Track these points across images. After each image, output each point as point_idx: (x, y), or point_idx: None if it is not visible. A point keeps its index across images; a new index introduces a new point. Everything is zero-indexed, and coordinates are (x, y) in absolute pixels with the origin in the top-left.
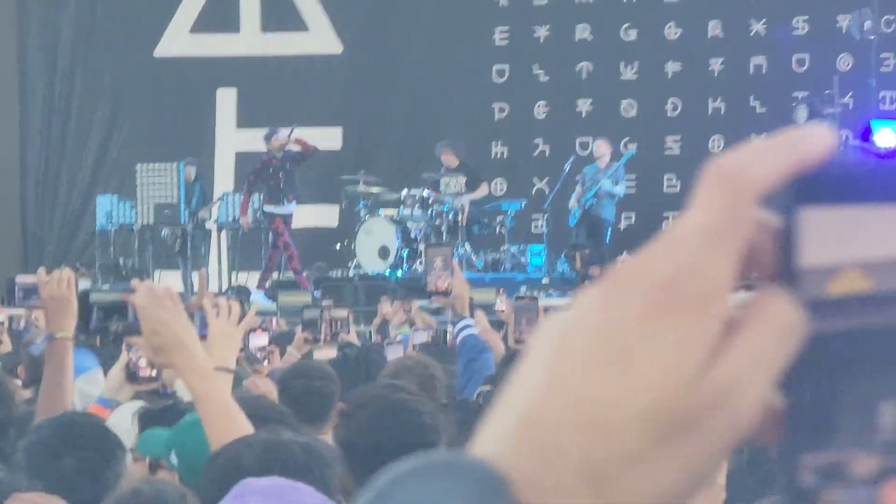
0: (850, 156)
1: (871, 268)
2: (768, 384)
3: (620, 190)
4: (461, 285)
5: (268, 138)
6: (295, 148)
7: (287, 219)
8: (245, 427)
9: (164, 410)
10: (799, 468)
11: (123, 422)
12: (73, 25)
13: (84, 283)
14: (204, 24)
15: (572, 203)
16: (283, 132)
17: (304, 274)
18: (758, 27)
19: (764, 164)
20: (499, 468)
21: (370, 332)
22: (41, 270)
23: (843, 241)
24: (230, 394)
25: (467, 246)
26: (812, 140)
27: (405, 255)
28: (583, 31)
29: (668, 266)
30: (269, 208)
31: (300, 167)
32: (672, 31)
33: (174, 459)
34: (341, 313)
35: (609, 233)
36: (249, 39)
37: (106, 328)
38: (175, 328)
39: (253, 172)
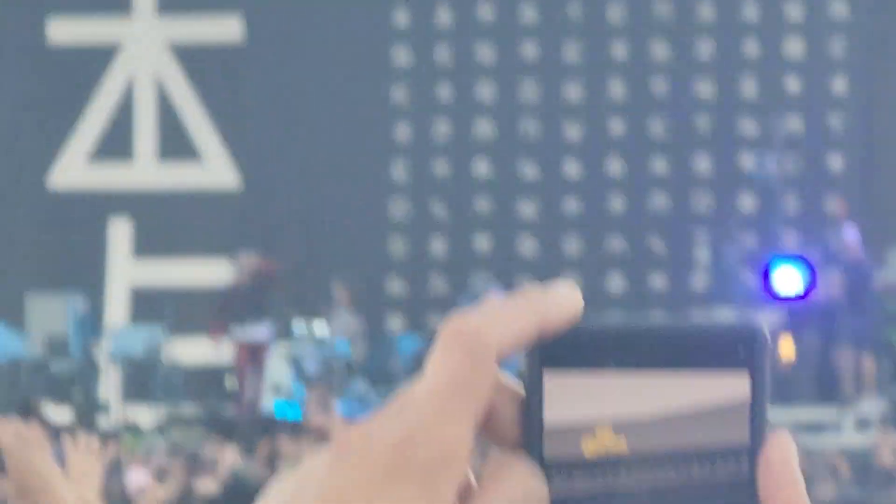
0: (594, 319)
1: (621, 429)
2: None
3: None
4: (335, 423)
5: (233, 264)
6: (257, 270)
7: (254, 348)
8: None
9: None
10: None
11: None
12: None
13: None
14: (99, 152)
15: None
16: (245, 257)
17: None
18: (659, 165)
19: (505, 326)
20: None
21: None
22: None
23: (590, 404)
24: None
25: (362, 383)
26: (557, 302)
27: (298, 392)
28: (480, 168)
29: (400, 430)
30: (238, 334)
31: (267, 290)
32: (572, 169)
33: None
34: (220, 450)
35: None
36: (145, 171)
37: None
38: (40, 470)
39: (223, 299)
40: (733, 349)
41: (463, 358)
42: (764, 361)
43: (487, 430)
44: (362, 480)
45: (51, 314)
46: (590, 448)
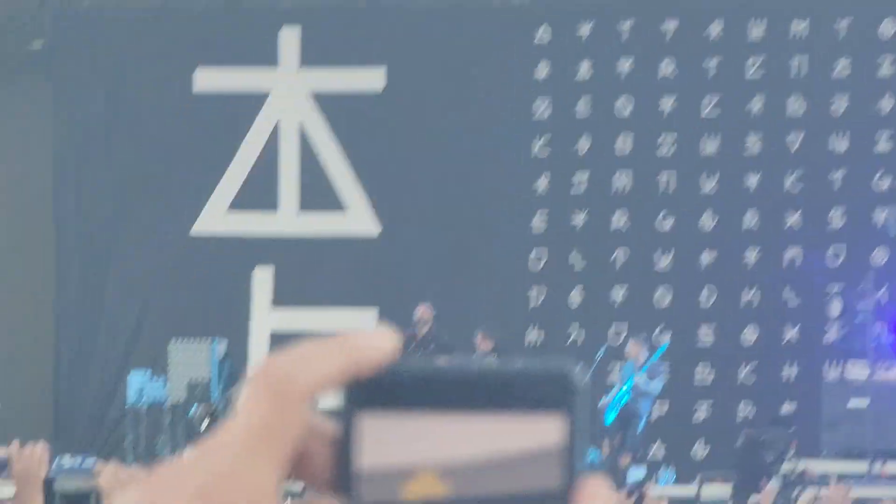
0: (410, 361)
1: (439, 473)
2: None
3: (657, 387)
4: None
5: (414, 313)
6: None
7: None
8: None
9: None
10: None
11: None
12: (111, 203)
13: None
14: (242, 202)
15: (604, 402)
16: (425, 307)
17: None
18: (793, 219)
19: (315, 368)
20: None
21: None
22: (15, 443)
23: (408, 447)
24: None
25: None
26: (369, 344)
27: None
28: (619, 220)
29: (204, 475)
30: None
31: (441, 352)
32: (708, 221)
33: None
34: None
35: (643, 423)
36: (287, 218)
37: None
38: None
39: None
40: (549, 393)
41: (271, 401)
42: (580, 405)
43: (301, 473)
44: None
45: (193, 359)
46: (408, 492)
